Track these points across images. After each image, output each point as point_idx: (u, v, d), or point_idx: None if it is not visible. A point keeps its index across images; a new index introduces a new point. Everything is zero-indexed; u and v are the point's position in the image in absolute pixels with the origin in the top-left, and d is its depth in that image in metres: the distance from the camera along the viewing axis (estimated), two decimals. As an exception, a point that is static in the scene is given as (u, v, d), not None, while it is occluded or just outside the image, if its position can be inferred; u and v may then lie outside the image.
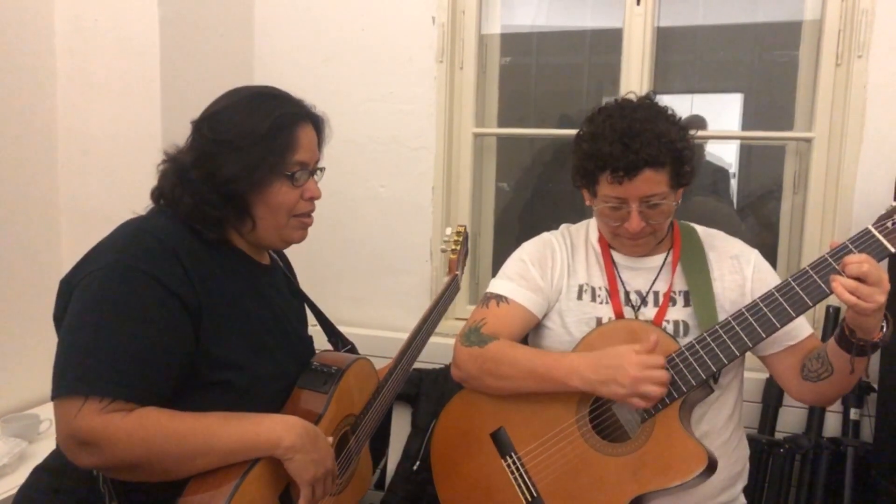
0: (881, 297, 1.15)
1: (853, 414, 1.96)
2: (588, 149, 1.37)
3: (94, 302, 1.05)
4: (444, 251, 1.86)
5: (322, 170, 1.30)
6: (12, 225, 2.00)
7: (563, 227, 1.62)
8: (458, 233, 1.86)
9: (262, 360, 1.19)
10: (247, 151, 1.14)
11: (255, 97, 1.19)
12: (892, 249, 1.20)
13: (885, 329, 1.23)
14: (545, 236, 1.59)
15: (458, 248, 1.84)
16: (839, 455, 1.91)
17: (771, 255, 2.12)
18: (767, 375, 1.98)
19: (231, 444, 1.06)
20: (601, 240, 1.53)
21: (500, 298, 1.50)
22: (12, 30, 1.98)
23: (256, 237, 1.23)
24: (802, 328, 1.41)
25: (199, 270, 1.12)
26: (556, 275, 1.51)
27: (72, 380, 1.01)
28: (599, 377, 1.30)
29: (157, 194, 1.20)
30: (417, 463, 2.05)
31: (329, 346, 1.49)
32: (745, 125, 2.49)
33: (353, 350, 1.48)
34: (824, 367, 1.32)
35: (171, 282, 1.07)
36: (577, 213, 2.67)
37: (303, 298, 1.44)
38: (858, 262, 1.17)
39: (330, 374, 1.27)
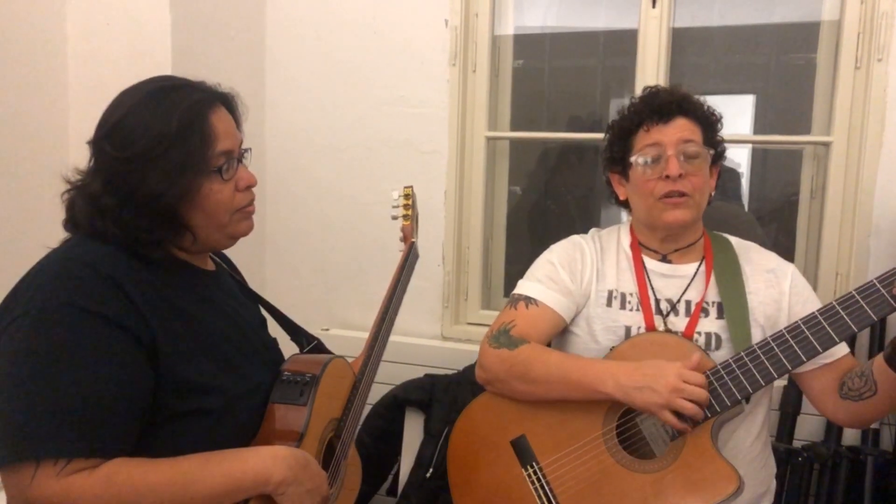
0: None
1: (873, 422, 1.93)
2: (622, 118, 1.46)
3: (25, 353, 0.91)
4: (395, 218, 1.71)
5: (248, 151, 1.16)
6: (27, 233, 1.99)
7: (592, 230, 1.59)
8: (406, 195, 1.72)
9: (232, 377, 1.09)
10: (162, 159, 1.00)
11: (152, 95, 1.05)
12: None
13: None
14: (574, 238, 1.56)
15: (410, 212, 1.70)
16: (859, 464, 1.88)
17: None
18: (785, 383, 1.96)
19: (216, 488, 0.96)
20: (633, 244, 1.50)
21: (529, 300, 1.47)
22: (24, 35, 1.97)
23: (201, 245, 1.12)
24: (839, 346, 1.36)
25: (146, 295, 1.00)
26: (585, 278, 1.48)
27: (16, 444, 0.88)
28: (635, 383, 1.27)
29: (70, 225, 1.07)
30: (430, 470, 2.03)
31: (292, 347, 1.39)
32: (757, 127, 2.46)
33: (319, 346, 1.38)
34: (867, 385, 1.29)
35: (115, 314, 0.95)
36: (589, 219, 2.66)
37: (256, 299, 1.34)
38: None
39: (305, 384, 1.17)
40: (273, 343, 1.29)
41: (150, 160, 1.00)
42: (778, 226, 2.40)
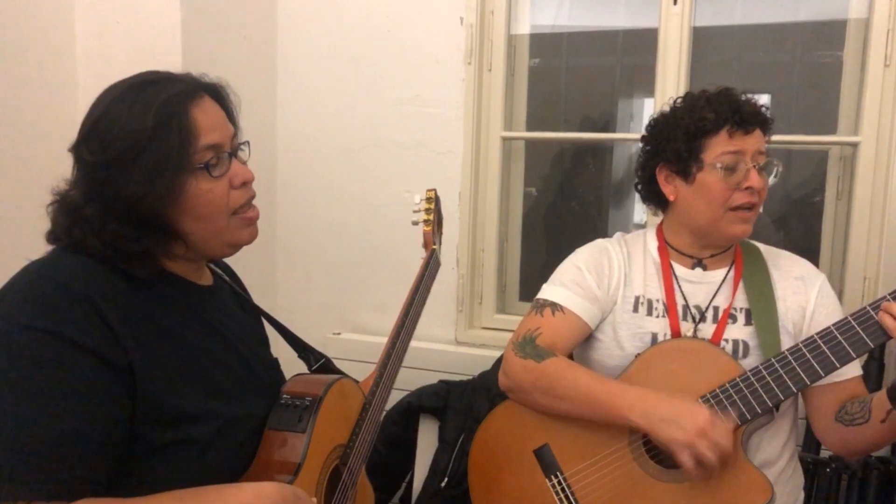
0: None
1: (903, 432, 1.87)
2: (692, 118, 1.36)
3: None
4: (415, 223, 1.62)
5: (246, 144, 1.06)
6: (40, 236, 1.96)
7: (617, 234, 1.56)
8: (428, 199, 1.63)
9: (222, 404, 0.99)
10: (141, 159, 0.92)
11: (127, 92, 0.96)
12: None
13: None
14: (600, 243, 1.53)
15: (431, 216, 1.61)
16: (888, 475, 1.83)
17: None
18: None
19: None
20: (660, 249, 1.46)
21: (555, 307, 1.43)
22: (33, 35, 1.95)
23: (197, 254, 1.03)
24: (850, 367, 1.32)
25: (125, 316, 0.91)
26: (612, 284, 1.45)
27: None
28: (662, 414, 1.22)
29: (52, 238, 0.99)
30: (446, 479, 1.98)
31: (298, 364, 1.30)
32: (773, 127, 2.41)
33: (327, 364, 1.28)
34: (862, 413, 1.27)
35: (84, 337, 0.86)
36: (602, 220, 2.61)
37: (259, 314, 1.24)
38: None
39: (305, 408, 1.06)
40: (274, 364, 1.20)
41: (128, 161, 0.92)
42: (800, 228, 2.34)
